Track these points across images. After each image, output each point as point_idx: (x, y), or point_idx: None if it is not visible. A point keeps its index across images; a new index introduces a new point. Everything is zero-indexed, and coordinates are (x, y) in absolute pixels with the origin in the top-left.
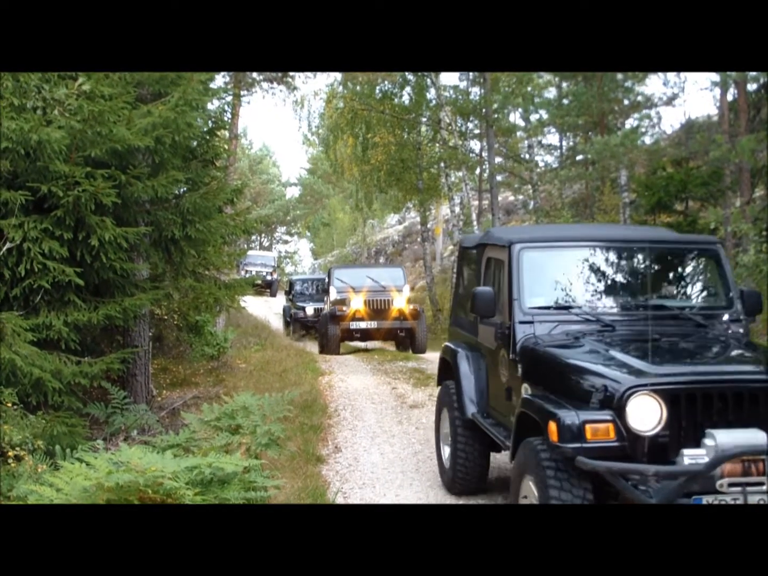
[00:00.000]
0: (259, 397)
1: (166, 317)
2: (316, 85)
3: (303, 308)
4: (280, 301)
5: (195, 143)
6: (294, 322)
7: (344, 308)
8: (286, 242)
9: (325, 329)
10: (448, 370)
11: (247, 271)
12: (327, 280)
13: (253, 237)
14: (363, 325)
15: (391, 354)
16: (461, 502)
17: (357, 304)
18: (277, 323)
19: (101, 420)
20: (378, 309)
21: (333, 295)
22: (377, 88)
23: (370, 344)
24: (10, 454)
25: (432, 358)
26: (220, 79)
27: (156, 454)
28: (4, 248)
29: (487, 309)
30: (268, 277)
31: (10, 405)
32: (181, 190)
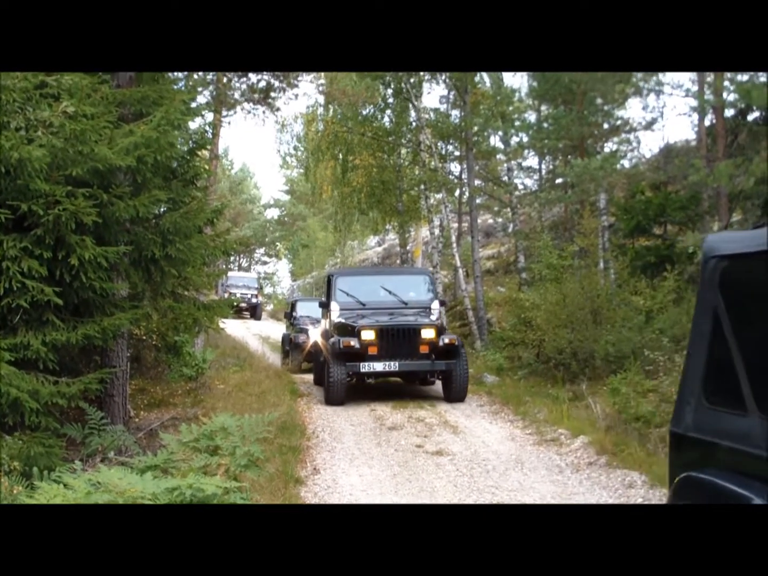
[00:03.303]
0: (239, 418)
1: (144, 337)
2: (298, 108)
3: (305, 331)
4: (264, 324)
5: (175, 163)
6: (294, 348)
7: (352, 343)
8: (264, 263)
9: (325, 370)
10: None
11: (230, 294)
12: (326, 289)
13: (232, 258)
14: (379, 366)
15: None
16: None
17: (368, 335)
18: (255, 344)
19: (78, 441)
20: (399, 342)
21: (335, 314)
22: (358, 110)
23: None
24: None
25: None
26: (202, 99)
27: (135, 475)
28: None
29: None
30: (253, 300)
31: None
32: (161, 209)
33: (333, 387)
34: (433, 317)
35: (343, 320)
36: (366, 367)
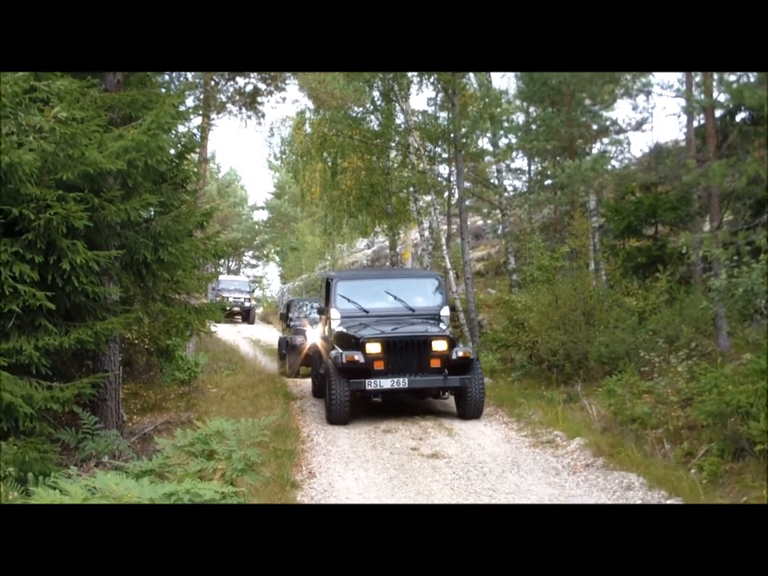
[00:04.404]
0: (235, 422)
1: (136, 341)
2: (286, 111)
3: (303, 332)
4: (255, 328)
5: (165, 167)
6: (291, 351)
7: (356, 357)
8: (254, 266)
9: (326, 386)
10: None
11: (223, 298)
12: (325, 294)
13: (221, 261)
14: (386, 383)
15: None
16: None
17: (374, 348)
18: (246, 348)
19: (72, 446)
20: (408, 356)
21: (336, 322)
22: (347, 113)
23: None
24: None
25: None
26: (190, 102)
27: (132, 480)
28: None
29: None
30: (246, 304)
31: None
32: (152, 213)
33: (335, 406)
34: (444, 326)
35: (344, 330)
36: (372, 384)
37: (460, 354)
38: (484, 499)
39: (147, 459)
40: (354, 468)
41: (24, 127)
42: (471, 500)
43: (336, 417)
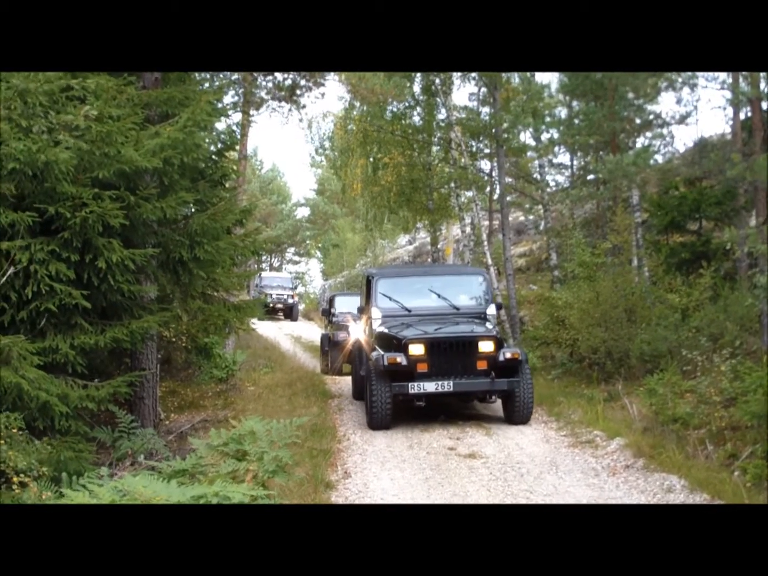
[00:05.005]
0: (267, 422)
1: (174, 339)
2: (326, 106)
3: (346, 328)
4: (296, 324)
5: (203, 164)
6: (333, 347)
7: (398, 359)
8: (296, 263)
9: (367, 388)
10: None
11: (266, 295)
12: (365, 292)
13: (264, 258)
14: (430, 386)
15: None
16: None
17: (417, 349)
18: (287, 344)
19: (108, 444)
20: (453, 358)
21: (377, 322)
22: (388, 108)
23: None
24: (15, 480)
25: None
26: (229, 99)
27: (161, 483)
28: (11, 271)
29: None
30: (290, 301)
31: (15, 430)
32: (189, 211)
33: (377, 411)
34: (490, 326)
35: (386, 330)
36: (415, 387)
37: (508, 355)
38: (521, 501)
39: (181, 459)
40: (390, 468)
41: (55, 125)
42: (508, 501)
43: (377, 422)
